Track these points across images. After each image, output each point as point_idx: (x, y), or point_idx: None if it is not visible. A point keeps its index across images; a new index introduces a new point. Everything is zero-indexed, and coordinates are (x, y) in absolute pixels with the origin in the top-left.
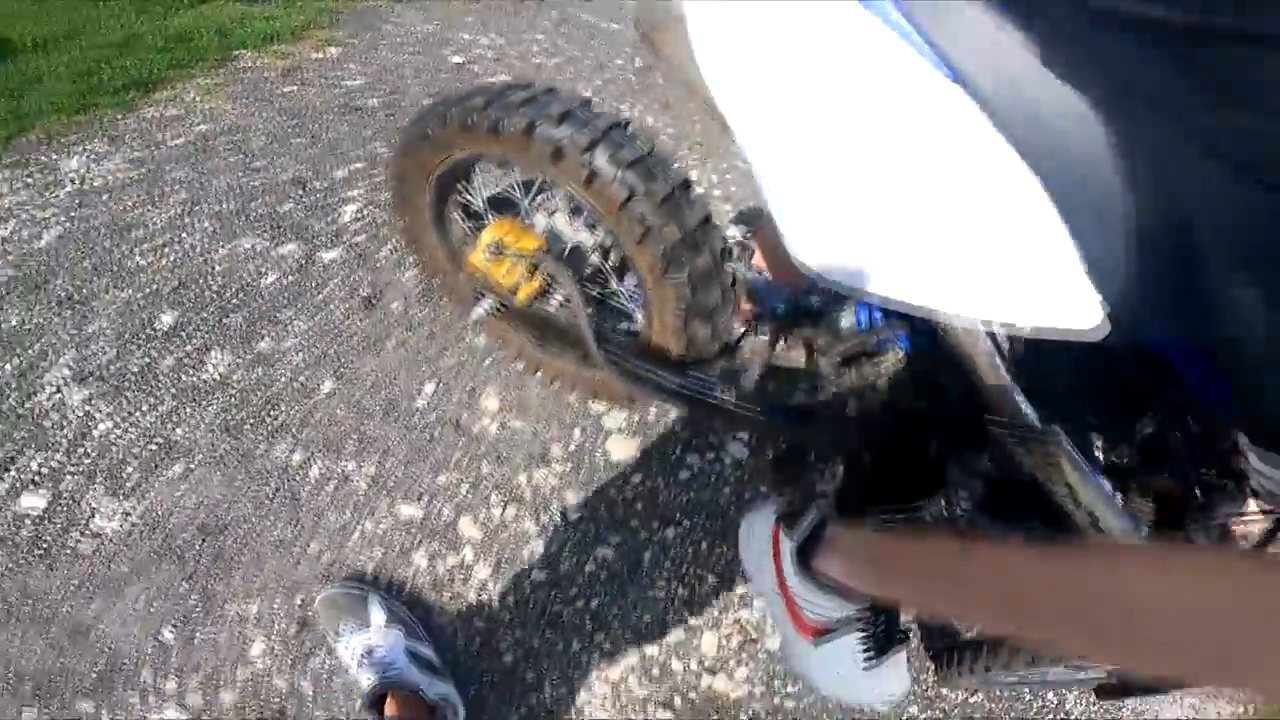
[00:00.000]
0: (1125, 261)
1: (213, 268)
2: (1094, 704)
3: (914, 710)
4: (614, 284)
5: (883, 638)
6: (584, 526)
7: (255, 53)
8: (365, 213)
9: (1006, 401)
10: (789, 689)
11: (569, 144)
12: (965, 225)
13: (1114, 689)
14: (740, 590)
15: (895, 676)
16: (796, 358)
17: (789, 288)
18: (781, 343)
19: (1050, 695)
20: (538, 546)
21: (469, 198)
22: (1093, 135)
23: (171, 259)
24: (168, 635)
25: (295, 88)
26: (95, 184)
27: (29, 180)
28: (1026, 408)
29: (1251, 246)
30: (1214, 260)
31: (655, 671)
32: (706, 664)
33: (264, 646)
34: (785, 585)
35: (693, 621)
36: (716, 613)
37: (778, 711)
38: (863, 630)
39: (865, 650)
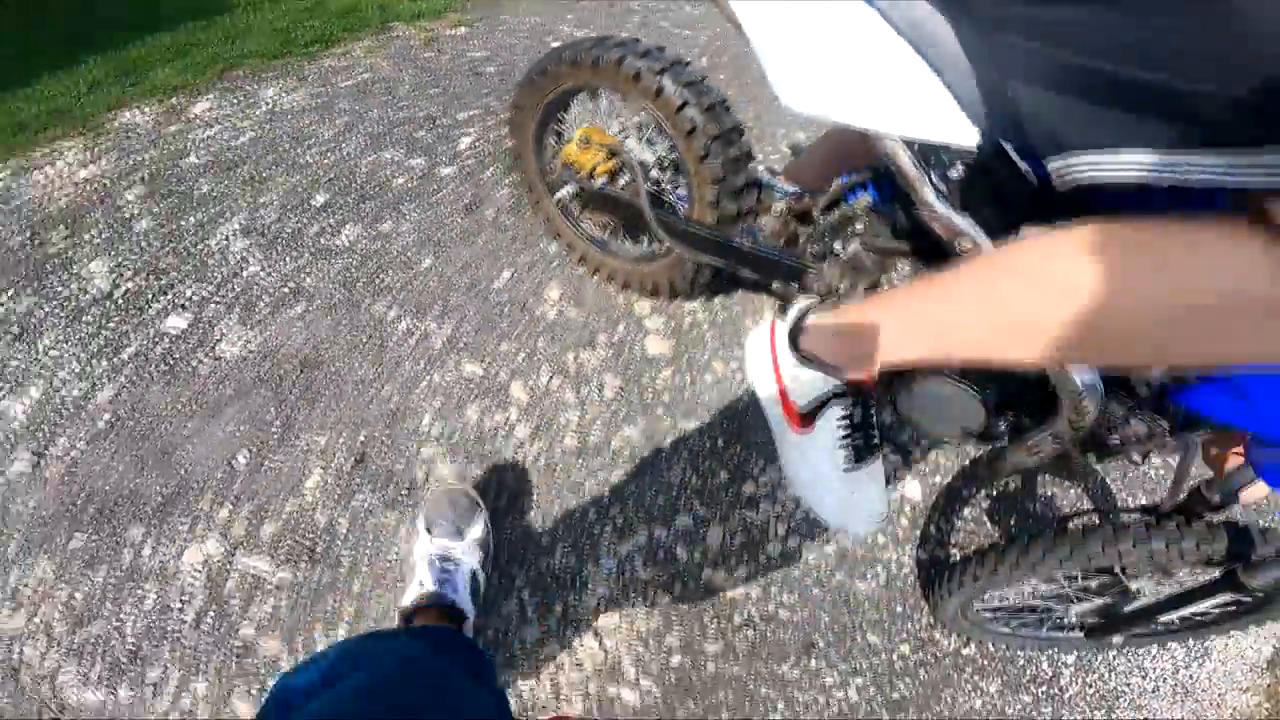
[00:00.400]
0: (981, 102)
1: (360, 168)
2: (1088, 683)
3: (905, 649)
4: (667, 188)
5: (860, 443)
6: (616, 407)
7: (405, 25)
8: (477, 145)
9: (932, 203)
10: (784, 598)
11: (646, 70)
12: (888, 79)
13: (1101, 628)
14: (749, 491)
15: (873, 490)
16: (801, 224)
17: (798, 186)
18: (788, 214)
19: (1044, 666)
20: (573, 416)
21: (563, 127)
22: (945, 31)
23: (331, 160)
24: (240, 461)
25: (433, 54)
26: (284, 107)
27: (234, 101)
28: (944, 205)
29: (1037, 78)
30: (1020, 91)
31: (661, 555)
32: (710, 556)
33: (318, 479)
34: (780, 375)
35: (702, 512)
36: (725, 508)
37: (771, 619)
38: (843, 430)
39: (845, 450)
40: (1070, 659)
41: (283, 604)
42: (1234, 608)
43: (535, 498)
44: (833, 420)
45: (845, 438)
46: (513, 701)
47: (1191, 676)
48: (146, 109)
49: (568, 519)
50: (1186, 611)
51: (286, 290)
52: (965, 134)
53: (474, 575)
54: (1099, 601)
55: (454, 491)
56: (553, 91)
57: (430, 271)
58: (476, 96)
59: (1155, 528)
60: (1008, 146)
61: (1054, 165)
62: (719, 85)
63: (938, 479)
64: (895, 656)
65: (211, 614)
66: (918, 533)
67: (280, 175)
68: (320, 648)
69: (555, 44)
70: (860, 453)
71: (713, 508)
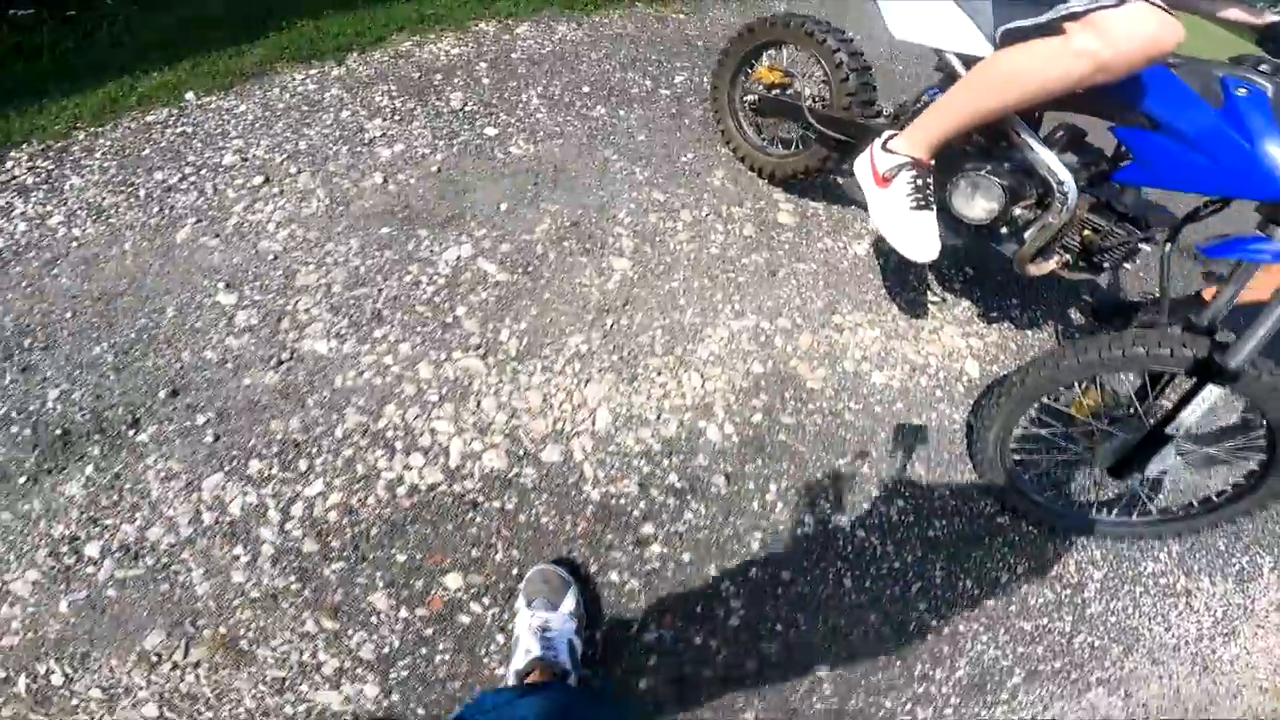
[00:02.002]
0: (993, 29)
1: (612, 78)
2: (1111, 609)
3: (945, 493)
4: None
5: (920, 197)
6: (749, 242)
7: (644, 6)
8: (685, 83)
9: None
10: (850, 404)
11: (818, 30)
12: (943, 18)
13: (1122, 465)
14: (837, 320)
15: (928, 231)
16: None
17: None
18: (892, 116)
19: (1071, 568)
20: (719, 238)
21: (750, 70)
22: None
23: (595, 71)
24: (502, 208)
25: (660, 25)
26: (570, 37)
27: (541, 29)
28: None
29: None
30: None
31: (762, 339)
32: (800, 352)
33: (546, 228)
34: (874, 160)
35: (799, 321)
36: (817, 325)
37: (837, 416)
38: (909, 185)
39: (909, 199)
40: (1099, 574)
41: (492, 297)
42: (1244, 481)
43: (682, 277)
44: (903, 181)
45: (910, 194)
46: (626, 411)
47: (1214, 652)
48: (492, 23)
49: (700, 295)
50: (1183, 421)
51: (555, 129)
52: (981, 48)
53: (571, 643)
54: (1118, 439)
55: (542, 571)
56: (752, 43)
57: (642, 141)
58: (688, 56)
59: (1149, 329)
60: None
61: (996, 35)
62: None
63: (995, 368)
64: (936, 496)
65: (443, 294)
66: (970, 401)
67: (563, 72)
68: (504, 337)
69: None
70: (919, 203)
71: (807, 321)
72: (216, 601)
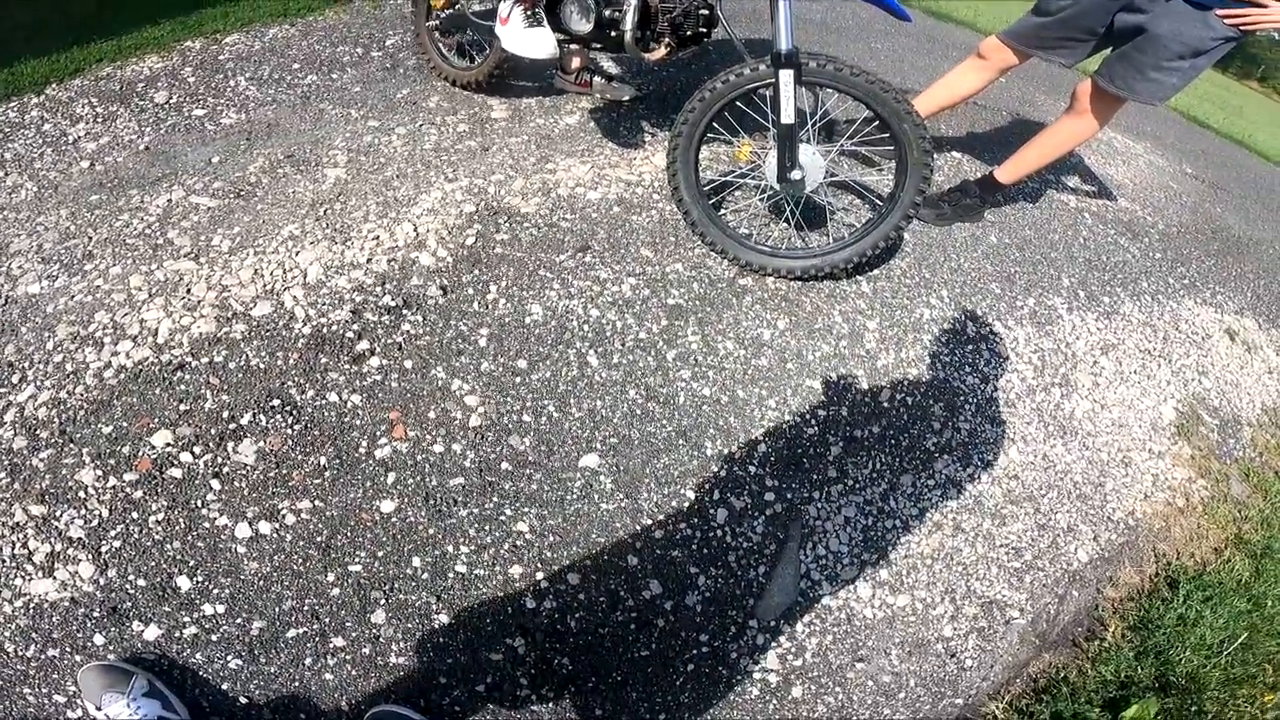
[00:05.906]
0: None
1: (323, 56)
2: (904, 359)
3: (679, 267)
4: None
5: (534, 20)
6: (461, 134)
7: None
8: (396, 43)
9: None
10: (566, 215)
11: None
12: None
13: (782, 170)
14: (550, 166)
15: (545, 42)
16: None
17: None
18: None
19: (838, 318)
20: (432, 139)
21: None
22: None
23: (306, 54)
24: (215, 160)
25: (374, 9)
26: (280, 36)
27: (251, 35)
28: None
29: None
30: None
31: (475, 191)
32: (513, 192)
33: (260, 164)
34: (500, 13)
35: (512, 174)
36: (530, 173)
37: (554, 226)
38: (520, 15)
39: (524, 24)
40: (873, 324)
41: (205, 218)
42: (898, 170)
43: (395, 168)
44: (516, 15)
45: (522, 20)
46: (339, 262)
47: (1059, 408)
48: (199, 40)
49: (414, 176)
50: (786, 111)
51: (267, 100)
52: None
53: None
54: (771, 159)
55: (93, 669)
56: None
57: (357, 91)
58: (400, 29)
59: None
60: None
61: None
62: None
63: (707, 174)
64: (669, 270)
65: (154, 227)
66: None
67: (273, 59)
68: (216, 241)
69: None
70: (531, 24)
71: (520, 172)
72: None
